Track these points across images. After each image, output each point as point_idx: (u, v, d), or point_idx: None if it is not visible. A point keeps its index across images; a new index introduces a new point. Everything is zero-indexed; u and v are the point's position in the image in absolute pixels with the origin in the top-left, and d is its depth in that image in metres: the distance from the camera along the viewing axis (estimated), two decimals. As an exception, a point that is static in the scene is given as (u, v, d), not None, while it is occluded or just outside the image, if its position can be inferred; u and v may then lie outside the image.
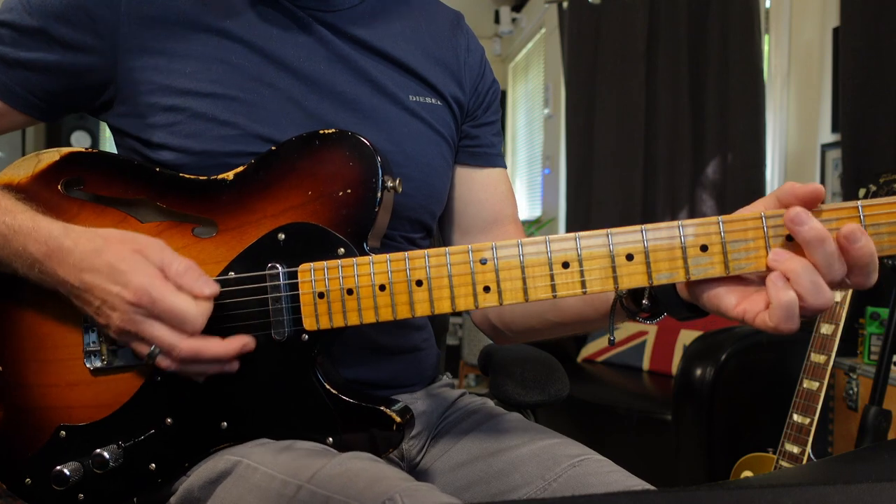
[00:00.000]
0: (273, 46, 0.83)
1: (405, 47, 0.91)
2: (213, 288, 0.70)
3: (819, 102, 2.58)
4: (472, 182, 0.99)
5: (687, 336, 2.56)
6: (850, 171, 2.26)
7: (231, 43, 0.82)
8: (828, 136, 2.54)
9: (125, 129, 0.83)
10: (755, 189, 2.86)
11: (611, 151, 3.46)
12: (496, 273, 0.66)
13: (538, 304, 0.86)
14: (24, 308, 0.78)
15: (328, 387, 0.73)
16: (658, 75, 3.28)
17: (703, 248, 0.62)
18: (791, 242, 0.59)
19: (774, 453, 1.65)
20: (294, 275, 0.72)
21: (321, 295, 0.70)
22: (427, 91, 0.92)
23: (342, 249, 0.71)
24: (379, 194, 0.73)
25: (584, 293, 0.64)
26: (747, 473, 1.78)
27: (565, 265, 0.64)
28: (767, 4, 2.91)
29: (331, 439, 0.73)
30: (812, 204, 0.59)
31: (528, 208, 5.14)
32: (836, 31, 2.42)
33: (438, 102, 0.93)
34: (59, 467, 0.74)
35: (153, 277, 0.68)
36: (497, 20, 5.32)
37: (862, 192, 1.62)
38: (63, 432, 0.77)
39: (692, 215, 3.13)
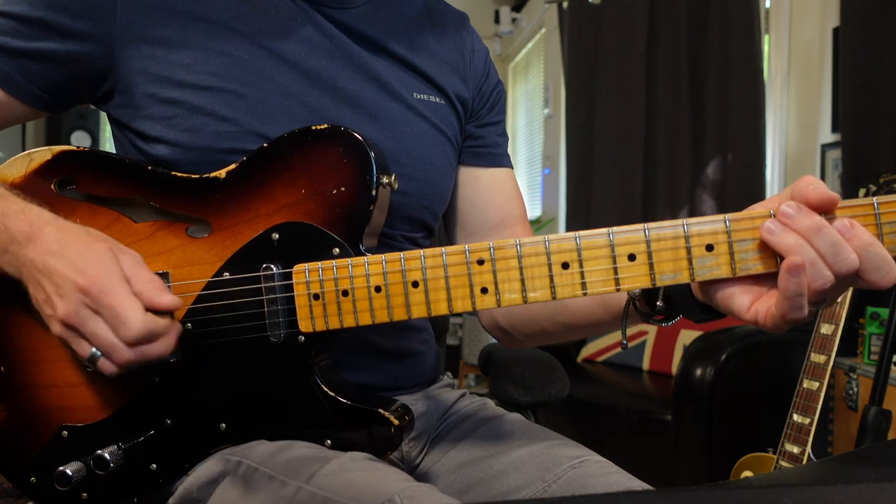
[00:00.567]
0: (274, 40, 0.82)
1: (409, 45, 0.91)
2: (171, 299, 0.67)
3: (819, 102, 2.58)
4: (476, 183, 0.98)
5: (687, 336, 2.56)
6: (850, 171, 2.26)
7: (231, 35, 0.81)
8: (828, 136, 2.54)
9: (123, 120, 0.82)
10: (755, 189, 2.85)
11: (611, 151, 3.46)
12: (494, 274, 0.64)
13: (548, 305, 0.85)
14: (23, 309, 0.77)
15: (325, 388, 0.72)
16: (658, 75, 3.28)
17: (709, 248, 0.59)
18: None
19: (774, 453, 1.65)
20: (289, 276, 0.71)
21: (316, 296, 0.70)
22: (431, 90, 0.91)
23: (337, 249, 0.70)
24: (373, 192, 0.72)
25: (585, 294, 0.63)
26: (747, 473, 1.78)
27: (565, 265, 0.62)
28: (767, 4, 2.91)
29: (329, 441, 0.73)
30: (825, 211, 0.56)
31: (528, 208, 5.12)
32: (836, 31, 2.42)
33: (442, 101, 0.92)
34: (61, 468, 0.73)
35: (112, 272, 0.65)
36: (497, 20, 5.32)
37: (862, 191, 1.62)
38: (65, 432, 0.77)
39: (692, 215, 3.12)
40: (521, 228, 0.99)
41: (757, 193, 2.85)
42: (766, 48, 2.89)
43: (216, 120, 0.78)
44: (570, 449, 0.81)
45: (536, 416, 1.22)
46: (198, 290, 0.74)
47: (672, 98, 3.22)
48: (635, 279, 0.61)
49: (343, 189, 0.72)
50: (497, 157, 1.00)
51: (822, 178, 2.55)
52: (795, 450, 1.58)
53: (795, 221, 0.55)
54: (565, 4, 3.77)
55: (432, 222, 0.93)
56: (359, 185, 0.72)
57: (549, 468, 0.78)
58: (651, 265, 0.61)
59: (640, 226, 0.61)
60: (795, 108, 2.79)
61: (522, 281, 0.64)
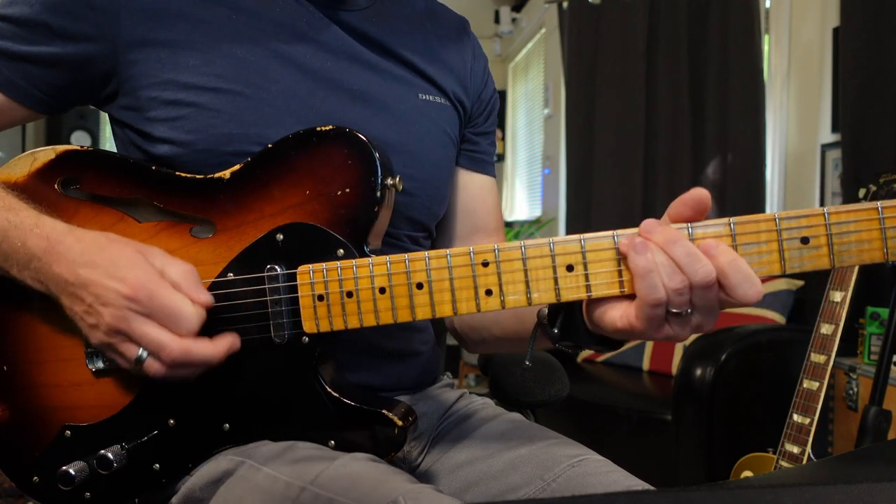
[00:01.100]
0: (279, 42, 0.82)
1: (413, 47, 0.91)
2: (207, 297, 0.68)
3: (819, 102, 2.58)
4: (466, 187, 0.99)
5: (687, 336, 2.55)
6: (850, 171, 2.26)
7: (236, 36, 0.81)
8: (828, 136, 2.54)
9: (127, 121, 0.82)
10: (755, 189, 2.85)
11: (611, 151, 3.46)
12: (498, 276, 0.64)
13: (487, 317, 0.89)
14: (27, 309, 0.77)
15: (329, 389, 0.72)
16: (658, 75, 3.28)
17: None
18: (806, 244, 0.58)
19: (774, 453, 1.65)
20: (293, 277, 0.71)
21: (320, 297, 0.70)
22: (435, 91, 0.92)
23: (341, 250, 0.71)
24: (378, 193, 0.72)
25: (590, 297, 0.63)
26: (747, 473, 1.78)
27: (569, 268, 0.63)
28: (767, 4, 2.91)
29: (332, 441, 0.73)
30: (699, 207, 0.59)
31: (528, 208, 5.14)
32: (836, 31, 2.42)
33: (446, 102, 0.93)
34: (64, 467, 0.74)
35: (151, 274, 0.66)
36: (497, 20, 5.31)
37: (862, 191, 1.62)
38: (68, 432, 0.77)
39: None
40: (497, 237, 1.02)
41: (757, 193, 2.85)
42: (766, 48, 2.89)
43: (221, 121, 0.78)
44: (570, 448, 0.82)
45: (536, 416, 1.22)
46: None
47: (672, 98, 3.22)
48: None
49: (348, 190, 0.72)
50: (487, 164, 1.01)
51: (822, 178, 2.55)
52: (795, 450, 1.58)
53: (654, 235, 0.59)
54: (565, 4, 3.77)
55: (433, 223, 0.94)
56: (363, 187, 0.72)
57: (549, 467, 0.78)
58: None
59: None
60: (795, 108, 2.79)
61: (527, 283, 0.64)
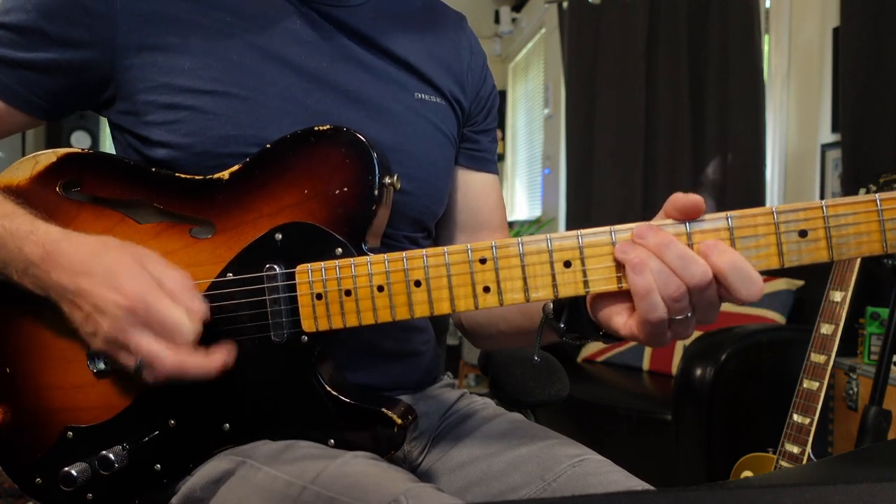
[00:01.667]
0: (274, 43, 0.82)
1: (409, 46, 0.91)
2: (201, 306, 0.68)
3: (819, 102, 2.58)
4: (467, 186, 0.99)
5: (687, 336, 2.55)
6: (850, 171, 2.26)
7: (231, 39, 0.81)
8: (828, 136, 2.54)
9: (125, 126, 0.82)
10: (755, 189, 2.85)
11: (611, 151, 3.46)
12: (496, 273, 0.64)
13: (494, 312, 0.89)
14: (29, 312, 0.77)
15: (329, 388, 0.72)
16: (658, 75, 3.28)
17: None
18: (804, 238, 0.58)
19: (774, 453, 1.65)
20: (292, 276, 0.71)
21: (319, 296, 0.70)
22: (431, 90, 0.91)
23: (340, 249, 0.71)
24: (376, 192, 0.72)
25: (587, 293, 0.63)
26: (747, 473, 1.78)
27: (567, 264, 0.63)
28: (767, 4, 2.91)
29: (332, 440, 0.73)
30: (692, 215, 0.59)
31: (528, 208, 5.14)
32: (836, 31, 2.42)
33: (442, 102, 0.92)
34: (66, 468, 0.74)
35: (149, 285, 0.66)
36: (497, 20, 5.32)
37: (862, 191, 1.62)
38: (70, 433, 0.77)
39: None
40: (500, 234, 1.01)
41: (757, 193, 2.85)
42: (766, 48, 2.89)
43: (218, 123, 0.78)
44: (570, 448, 0.82)
45: (536, 415, 1.22)
46: (202, 291, 0.74)
47: (672, 98, 3.22)
48: None
49: (346, 189, 0.72)
50: (489, 162, 1.01)
51: (822, 178, 2.55)
52: (795, 450, 1.58)
53: (647, 240, 0.59)
54: (565, 4, 3.77)
55: (431, 223, 0.94)
56: (361, 186, 0.72)
57: (549, 467, 0.78)
58: None
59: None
60: (795, 108, 2.79)
61: (525, 280, 0.64)
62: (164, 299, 0.66)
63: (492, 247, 0.64)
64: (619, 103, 3.41)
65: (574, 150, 3.72)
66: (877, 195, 0.57)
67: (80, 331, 0.69)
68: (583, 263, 0.62)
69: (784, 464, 1.61)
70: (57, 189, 0.78)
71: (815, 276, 2.14)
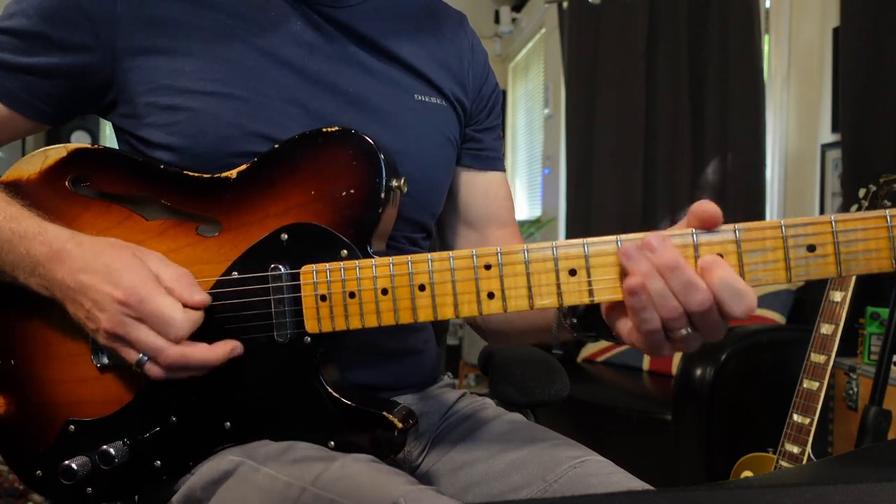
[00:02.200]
0: (274, 45, 0.83)
1: (410, 47, 0.91)
2: (203, 297, 0.69)
3: (819, 102, 2.58)
4: (473, 185, 0.99)
5: (687, 336, 2.55)
6: (850, 171, 2.26)
7: (231, 41, 0.81)
8: (828, 136, 2.54)
9: (127, 128, 0.83)
10: (755, 189, 2.85)
11: (611, 151, 3.46)
12: (501, 279, 0.64)
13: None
14: (34, 305, 0.78)
15: (330, 390, 0.73)
16: (658, 75, 3.28)
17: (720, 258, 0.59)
18: (812, 252, 0.58)
19: (774, 453, 1.65)
20: (296, 276, 0.71)
21: (323, 297, 0.70)
22: (431, 91, 0.91)
23: (345, 251, 0.71)
24: (382, 194, 0.72)
25: (592, 301, 0.63)
26: (747, 473, 1.79)
27: (572, 272, 0.62)
28: (767, 4, 2.91)
29: (332, 442, 0.73)
30: (708, 224, 0.59)
31: (528, 208, 5.14)
32: (836, 31, 2.42)
33: (443, 103, 0.92)
34: (66, 462, 0.74)
35: (145, 279, 0.67)
36: (497, 20, 5.32)
37: (862, 192, 1.62)
38: (72, 427, 0.78)
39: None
40: (510, 231, 1.01)
41: (757, 194, 2.85)
42: (766, 48, 2.89)
43: (219, 125, 0.79)
44: (571, 449, 0.82)
45: (536, 416, 1.22)
46: (207, 289, 0.74)
47: (672, 98, 3.22)
48: None
49: (352, 191, 0.73)
50: (494, 160, 1.01)
51: (822, 178, 2.55)
52: (795, 450, 1.59)
53: (656, 254, 0.58)
54: (565, 4, 3.77)
55: (431, 224, 0.94)
56: (368, 188, 0.72)
57: (550, 468, 0.78)
58: None
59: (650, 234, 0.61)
60: (795, 108, 2.79)
61: (529, 287, 0.64)
62: (159, 292, 0.67)
63: (497, 253, 0.64)
64: (619, 103, 3.41)
65: (574, 150, 3.72)
66: (887, 212, 0.57)
67: (84, 327, 0.71)
68: (588, 273, 0.62)
69: (784, 464, 1.61)
70: (66, 184, 0.78)
71: (815, 277, 2.14)
